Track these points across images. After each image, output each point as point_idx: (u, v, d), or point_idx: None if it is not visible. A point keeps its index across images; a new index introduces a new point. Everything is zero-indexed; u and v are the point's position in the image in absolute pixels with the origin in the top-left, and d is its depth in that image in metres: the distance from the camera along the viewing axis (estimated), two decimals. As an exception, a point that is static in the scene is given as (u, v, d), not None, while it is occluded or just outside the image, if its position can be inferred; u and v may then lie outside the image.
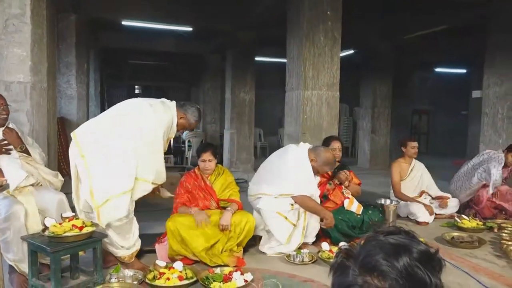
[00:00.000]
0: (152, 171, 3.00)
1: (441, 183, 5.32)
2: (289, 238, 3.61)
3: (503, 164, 4.80)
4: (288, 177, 3.62)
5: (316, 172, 3.76)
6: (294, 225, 3.63)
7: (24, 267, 2.80)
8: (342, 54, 5.32)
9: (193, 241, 3.25)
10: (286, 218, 3.61)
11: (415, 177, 5.07)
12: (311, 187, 3.67)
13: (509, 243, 3.80)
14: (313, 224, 3.78)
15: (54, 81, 4.71)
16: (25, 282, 2.81)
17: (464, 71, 12.92)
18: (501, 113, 5.91)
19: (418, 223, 4.68)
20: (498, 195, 4.87)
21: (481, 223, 4.53)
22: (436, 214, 4.84)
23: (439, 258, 0.78)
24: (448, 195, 5.07)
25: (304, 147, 3.81)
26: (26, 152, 3.10)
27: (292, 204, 3.61)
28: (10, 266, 2.85)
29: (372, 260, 0.74)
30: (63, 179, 3.30)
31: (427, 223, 4.69)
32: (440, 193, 5.10)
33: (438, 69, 13.35)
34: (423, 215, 4.70)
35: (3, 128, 3.06)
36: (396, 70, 9.67)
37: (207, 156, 3.56)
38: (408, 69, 11.95)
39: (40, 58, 3.97)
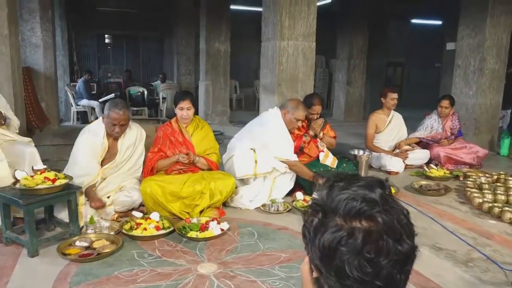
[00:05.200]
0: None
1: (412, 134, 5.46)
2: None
3: (433, 118, 5.26)
4: (275, 143, 3.71)
5: (293, 124, 3.81)
6: (255, 175, 3.68)
7: (-2, 220, 2.77)
8: (319, 3, 5.18)
9: (169, 206, 3.22)
10: (256, 161, 3.66)
11: (393, 129, 5.15)
12: (291, 148, 3.81)
13: (473, 190, 4.00)
14: (284, 182, 3.82)
15: (17, 28, 4.42)
16: (0, 234, 2.78)
17: (439, 22, 12.90)
18: (473, 65, 5.99)
19: (389, 173, 4.84)
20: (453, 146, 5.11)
21: (448, 172, 4.73)
22: (406, 164, 5.01)
23: (389, 185, 0.79)
24: (415, 147, 5.22)
25: (276, 110, 3.94)
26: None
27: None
28: (-17, 219, 2.81)
29: (353, 206, 0.73)
30: (34, 146, 3.18)
31: (397, 173, 4.86)
32: (407, 147, 5.22)
33: (413, 21, 13.29)
34: (394, 165, 4.86)
35: None
36: (372, 22, 9.57)
37: (186, 104, 3.45)
38: (384, 20, 11.82)
39: (-2, 2, 3.71)
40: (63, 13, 10.27)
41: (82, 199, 3.05)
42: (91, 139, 3.23)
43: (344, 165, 4.16)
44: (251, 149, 3.71)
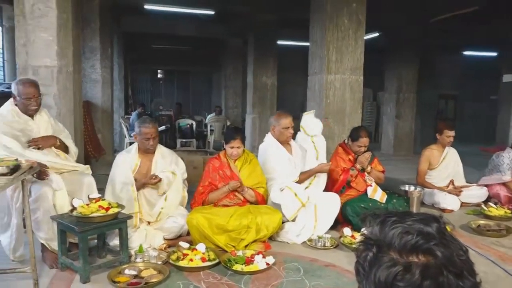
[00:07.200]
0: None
1: (467, 170, 5.17)
2: (294, 215, 3.56)
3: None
4: (280, 173, 3.74)
5: (285, 134, 3.82)
6: (303, 204, 3.56)
7: (55, 245, 2.91)
8: (366, 37, 5.19)
9: (215, 238, 3.23)
10: (296, 194, 3.55)
11: (448, 165, 4.87)
12: (292, 164, 3.83)
13: (538, 232, 3.69)
14: (325, 218, 3.71)
15: (80, 65, 4.78)
16: (56, 259, 2.91)
17: (494, 54, 12.44)
18: (533, 98, 5.69)
19: (443, 210, 4.59)
20: None
21: (509, 211, 4.41)
22: (462, 202, 4.73)
23: (444, 221, 0.77)
24: (472, 184, 4.92)
25: (267, 135, 3.97)
26: (61, 148, 3.21)
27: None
28: (42, 244, 2.96)
29: (408, 240, 0.71)
30: (90, 172, 3.38)
31: (451, 211, 4.60)
32: (464, 183, 4.93)
33: (466, 53, 12.91)
34: (449, 203, 4.60)
35: (35, 116, 3.14)
36: (422, 54, 9.39)
37: (236, 143, 3.53)
38: (435, 52, 11.59)
39: (65, 42, 4.03)
40: (121, 51, 10.99)
41: (136, 220, 3.22)
42: (124, 154, 3.52)
43: (394, 200, 4.00)
44: (281, 189, 3.62)
